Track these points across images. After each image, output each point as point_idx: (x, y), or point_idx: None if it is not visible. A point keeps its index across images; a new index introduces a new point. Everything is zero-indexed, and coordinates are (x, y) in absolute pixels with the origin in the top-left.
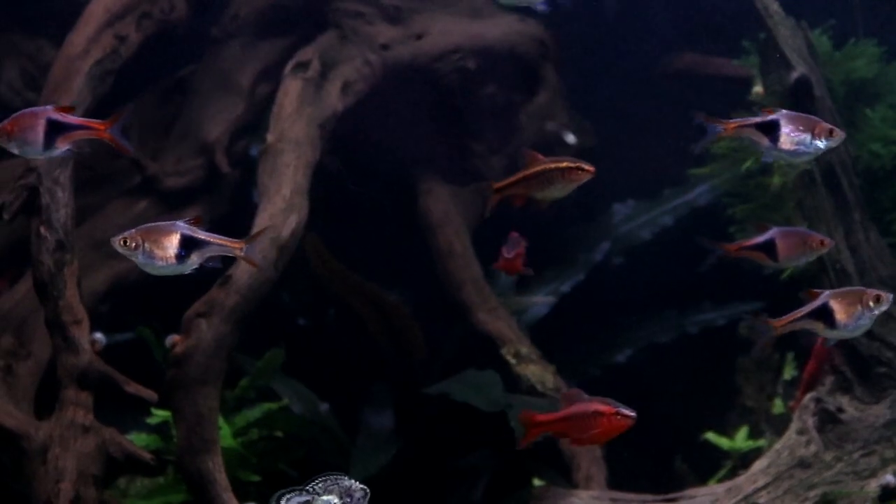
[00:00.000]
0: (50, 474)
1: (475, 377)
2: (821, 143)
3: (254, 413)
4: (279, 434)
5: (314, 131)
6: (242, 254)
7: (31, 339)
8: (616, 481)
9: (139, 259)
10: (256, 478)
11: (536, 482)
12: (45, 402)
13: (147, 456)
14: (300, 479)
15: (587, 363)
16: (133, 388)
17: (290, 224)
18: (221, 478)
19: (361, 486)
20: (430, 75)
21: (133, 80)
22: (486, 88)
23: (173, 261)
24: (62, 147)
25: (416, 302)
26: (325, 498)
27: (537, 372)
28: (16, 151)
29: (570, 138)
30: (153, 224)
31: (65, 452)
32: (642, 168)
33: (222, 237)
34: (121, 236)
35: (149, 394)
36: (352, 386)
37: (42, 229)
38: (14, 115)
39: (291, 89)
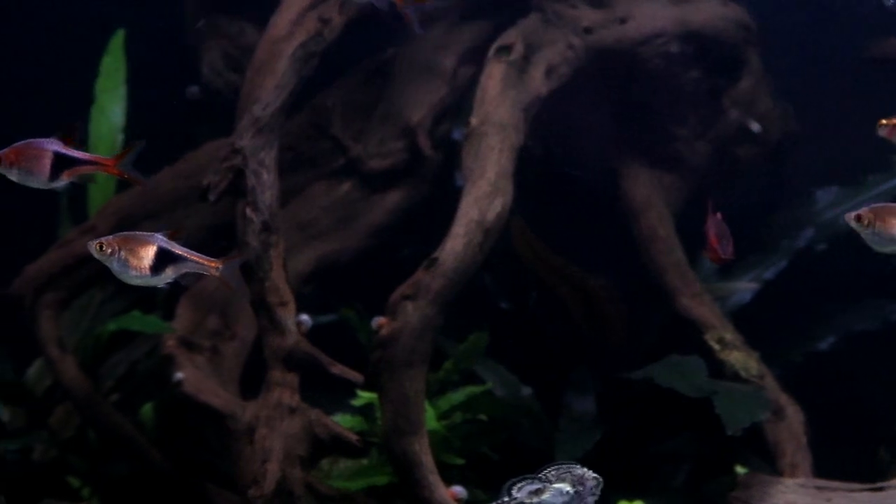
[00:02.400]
0: (256, 454)
1: (679, 363)
2: None
3: (457, 396)
4: (482, 417)
5: (518, 115)
6: (218, 273)
7: (236, 320)
8: (820, 469)
9: (113, 266)
10: (460, 461)
11: (739, 469)
12: (250, 383)
13: (353, 437)
14: (502, 463)
15: (789, 350)
16: (338, 369)
17: (496, 207)
18: (428, 460)
19: (594, 475)
20: (633, 59)
21: (336, 63)
22: (689, 73)
23: (147, 272)
24: (66, 180)
25: (617, 286)
26: (557, 486)
27: (741, 359)
28: (15, 180)
29: (755, 126)
30: (132, 233)
31: (271, 433)
32: (845, 154)
33: (199, 255)
34: (97, 241)
35: (354, 375)
36: (553, 370)
37: (248, 211)
38: (19, 144)
39: (495, 73)
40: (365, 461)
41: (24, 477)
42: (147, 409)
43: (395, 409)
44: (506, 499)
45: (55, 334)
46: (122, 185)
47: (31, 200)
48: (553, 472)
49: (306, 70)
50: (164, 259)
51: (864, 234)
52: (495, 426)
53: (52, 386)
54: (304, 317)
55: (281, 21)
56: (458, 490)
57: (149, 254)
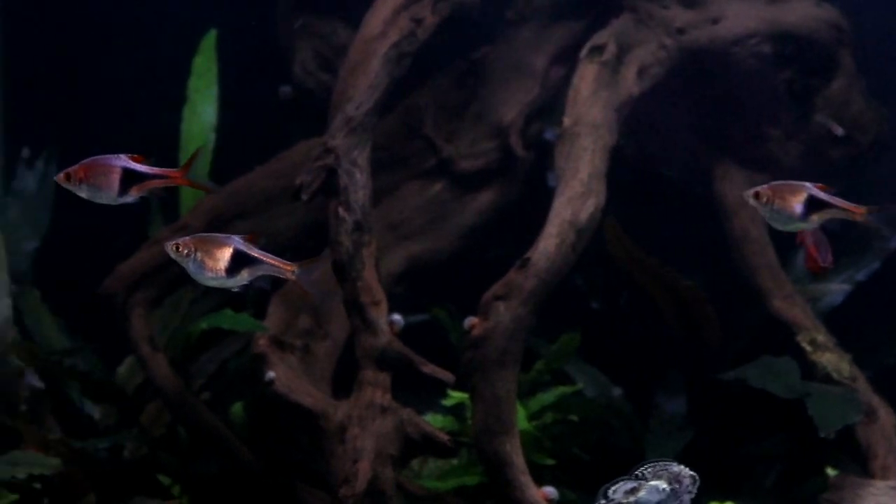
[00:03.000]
0: (348, 454)
1: (771, 364)
2: None
3: (548, 396)
4: (573, 418)
5: (611, 115)
6: (294, 277)
7: (328, 319)
8: None
9: (189, 267)
10: (551, 461)
11: (830, 471)
12: (342, 382)
13: (444, 437)
14: (593, 464)
15: (882, 352)
16: (430, 369)
17: (588, 208)
18: (519, 460)
19: (691, 472)
20: (725, 60)
21: (428, 63)
22: (782, 73)
23: (223, 274)
24: (135, 195)
25: (707, 287)
26: (653, 483)
27: (833, 360)
28: (84, 196)
29: (838, 130)
30: (209, 234)
31: (363, 432)
32: None
33: (275, 258)
34: (174, 242)
35: (446, 375)
36: (644, 371)
37: (340, 210)
38: (87, 160)
39: (587, 73)
40: (455, 461)
41: (115, 474)
42: (237, 407)
43: (486, 409)
44: (602, 501)
45: (146, 332)
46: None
47: None
48: (649, 470)
49: (399, 70)
50: (239, 261)
51: (763, 211)
52: (586, 427)
53: (142, 384)
54: (397, 316)
55: (374, 21)
56: (549, 490)
57: (224, 255)
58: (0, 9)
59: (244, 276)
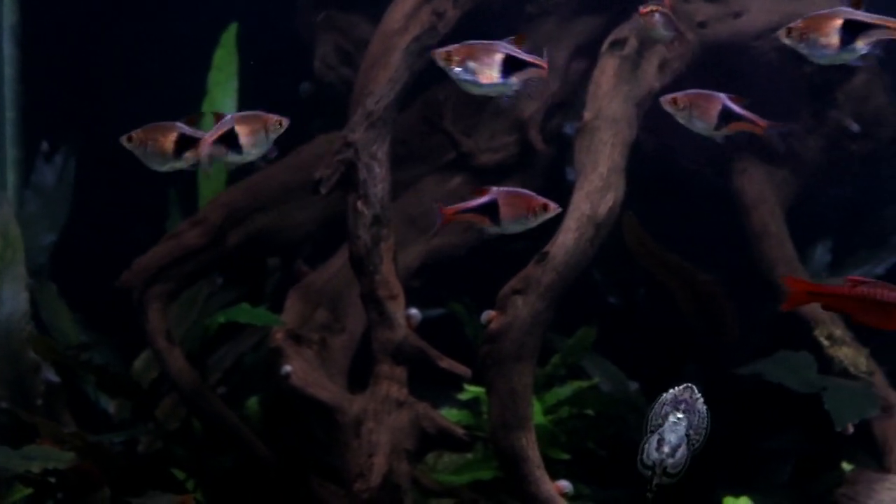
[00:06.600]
0: (363, 448)
1: (788, 358)
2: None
3: (564, 391)
4: (589, 412)
5: (631, 109)
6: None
7: (345, 313)
8: None
9: (460, 76)
10: (566, 456)
11: (845, 466)
12: (358, 376)
13: (460, 431)
14: (608, 458)
15: None
16: (446, 363)
17: (607, 202)
18: (534, 455)
19: (678, 388)
20: (747, 54)
21: None
22: (803, 68)
23: (496, 79)
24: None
25: (726, 282)
26: (669, 422)
27: (850, 354)
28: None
29: (854, 126)
30: (475, 42)
31: (378, 426)
32: None
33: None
34: (442, 50)
35: (462, 370)
36: (660, 366)
37: (359, 204)
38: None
39: (608, 67)
40: (470, 455)
41: (129, 469)
42: (252, 402)
43: (502, 403)
44: (649, 472)
45: (163, 326)
46: (233, 178)
47: (141, 194)
48: (654, 416)
49: (420, 64)
50: (511, 65)
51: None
52: (602, 421)
53: (158, 378)
54: (414, 311)
55: (395, 14)
56: (564, 484)
57: (495, 61)
58: (19, 2)
59: (513, 83)
